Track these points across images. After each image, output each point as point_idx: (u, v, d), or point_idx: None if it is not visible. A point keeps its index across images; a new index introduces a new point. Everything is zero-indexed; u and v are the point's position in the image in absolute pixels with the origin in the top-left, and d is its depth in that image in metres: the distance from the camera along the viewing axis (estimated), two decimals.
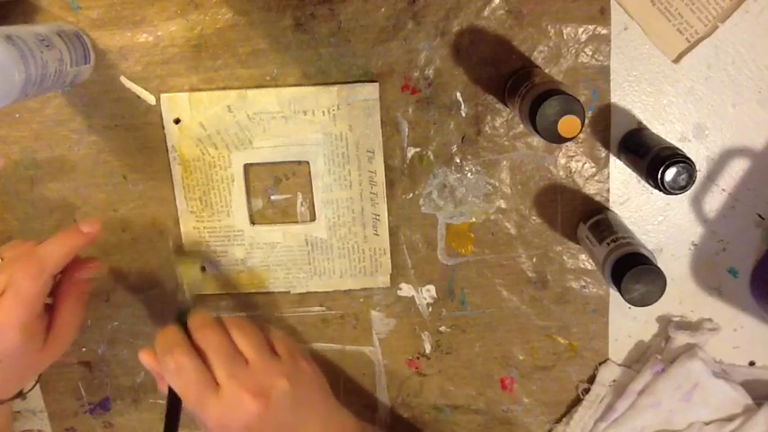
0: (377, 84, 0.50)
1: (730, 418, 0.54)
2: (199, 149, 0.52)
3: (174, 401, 0.44)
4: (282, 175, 0.53)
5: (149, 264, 0.55)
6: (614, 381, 0.55)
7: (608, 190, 0.52)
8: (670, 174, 0.43)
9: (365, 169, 0.52)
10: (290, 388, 0.43)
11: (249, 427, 0.42)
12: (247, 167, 0.52)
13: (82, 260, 0.49)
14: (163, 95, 0.51)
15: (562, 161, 0.51)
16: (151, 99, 0.51)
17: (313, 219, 0.53)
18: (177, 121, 0.51)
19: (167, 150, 0.52)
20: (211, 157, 0.52)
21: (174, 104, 0.51)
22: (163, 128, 0.51)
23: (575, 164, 0.51)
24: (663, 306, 0.54)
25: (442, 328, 0.56)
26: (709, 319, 0.54)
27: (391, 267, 0.54)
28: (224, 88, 0.50)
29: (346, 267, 0.54)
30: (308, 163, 0.52)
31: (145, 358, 0.46)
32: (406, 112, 0.51)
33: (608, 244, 0.46)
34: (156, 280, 0.55)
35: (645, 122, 0.50)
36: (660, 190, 0.44)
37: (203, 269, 0.54)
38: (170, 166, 0.52)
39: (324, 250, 0.54)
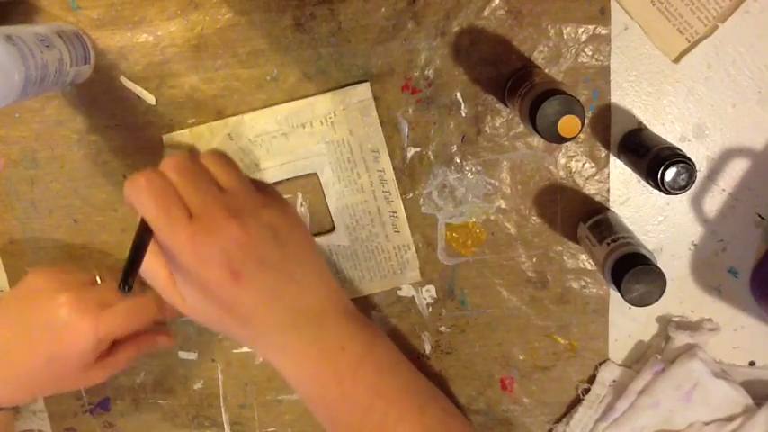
0: (368, 83, 0.50)
1: (730, 418, 0.54)
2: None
3: (143, 233, 0.38)
4: None
5: None
6: (614, 381, 0.55)
7: (608, 190, 0.52)
8: (670, 174, 0.43)
9: (373, 169, 0.52)
10: (270, 218, 0.39)
11: (226, 252, 0.37)
12: None
13: (166, 332, 0.52)
14: (164, 136, 0.51)
15: (562, 161, 0.51)
16: (151, 99, 0.51)
17: (332, 228, 0.53)
18: None
19: None
20: None
21: (177, 143, 0.51)
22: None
23: (575, 164, 0.51)
24: (663, 306, 0.54)
25: (442, 328, 0.56)
26: (709, 319, 0.54)
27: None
28: (224, 88, 0.50)
29: (374, 270, 0.54)
30: (316, 174, 0.52)
31: (125, 189, 0.39)
32: (406, 112, 0.51)
33: (608, 244, 0.46)
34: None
35: (645, 122, 0.50)
36: (660, 190, 0.44)
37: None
38: None
39: (348, 257, 0.54)
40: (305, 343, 0.40)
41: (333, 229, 0.53)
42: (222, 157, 0.41)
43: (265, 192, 0.41)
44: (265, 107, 0.51)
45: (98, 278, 0.48)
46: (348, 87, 0.50)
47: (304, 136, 0.51)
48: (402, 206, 0.53)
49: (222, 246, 0.37)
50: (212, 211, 0.37)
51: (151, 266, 0.39)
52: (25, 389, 0.47)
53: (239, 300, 0.39)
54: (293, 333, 0.40)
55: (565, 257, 0.53)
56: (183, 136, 0.51)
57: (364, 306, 0.55)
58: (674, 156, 0.43)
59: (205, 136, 0.51)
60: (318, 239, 0.53)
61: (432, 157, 0.52)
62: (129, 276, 0.36)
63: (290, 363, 0.41)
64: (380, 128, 0.51)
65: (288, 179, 0.52)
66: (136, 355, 0.49)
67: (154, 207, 0.37)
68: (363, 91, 0.50)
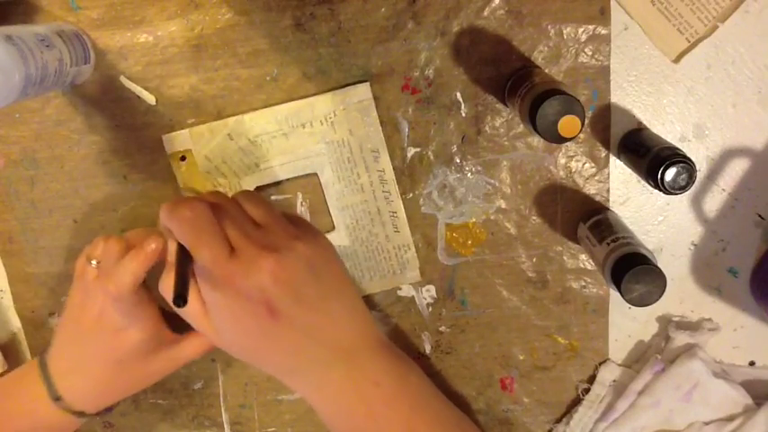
0: (368, 83, 0.50)
1: (730, 418, 0.54)
2: (210, 182, 0.52)
3: (184, 260, 0.39)
4: None
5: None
6: (614, 381, 0.55)
7: (608, 190, 0.52)
8: (670, 174, 0.43)
9: (373, 169, 0.52)
10: (306, 252, 0.39)
11: (264, 288, 0.38)
12: (259, 190, 0.52)
13: None
14: (164, 136, 0.51)
15: (562, 161, 0.51)
16: (151, 99, 0.51)
17: (332, 228, 0.53)
18: (183, 159, 0.51)
19: (180, 189, 0.52)
20: (222, 187, 0.52)
21: (177, 143, 0.51)
22: (171, 168, 0.52)
23: (575, 164, 0.51)
24: (663, 306, 0.54)
25: (442, 328, 0.56)
26: (709, 319, 0.54)
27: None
28: (224, 88, 0.50)
29: (374, 270, 0.54)
30: (316, 174, 0.52)
31: (163, 213, 0.40)
32: (406, 112, 0.51)
33: (608, 244, 0.46)
34: (156, 280, 0.55)
35: (645, 122, 0.50)
36: (660, 190, 0.44)
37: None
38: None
39: (349, 257, 0.54)
40: (339, 379, 0.40)
41: (333, 228, 0.53)
42: (254, 195, 0.42)
43: (299, 225, 0.42)
44: (265, 107, 0.51)
45: (93, 262, 0.48)
46: (348, 87, 0.50)
47: (304, 136, 0.51)
48: (402, 206, 0.53)
49: (260, 281, 0.38)
50: (250, 247, 0.38)
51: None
52: (107, 395, 0.49)
53: (274, 336, 0.39)
54: (327, 369, 0.40)
55: (565, 257, 0.53)
56: (182, 136, 0.51)
57: None
58: (674, 156, 0.43)
59: (205, 136, 0.51)
60: None
61: (432, 157, 0.52)
62: (184, 293, 0.37)
63: (324, 398, 0.41)
64: (380, 128, 0.51)
65: (288, 179, 0.52)
66: (206, 351, 0.50)
67: (197, 239, 0.38)
68: (363, 91, 0.50)
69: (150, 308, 0.47)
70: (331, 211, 0.53)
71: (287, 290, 0.38)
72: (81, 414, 0.48)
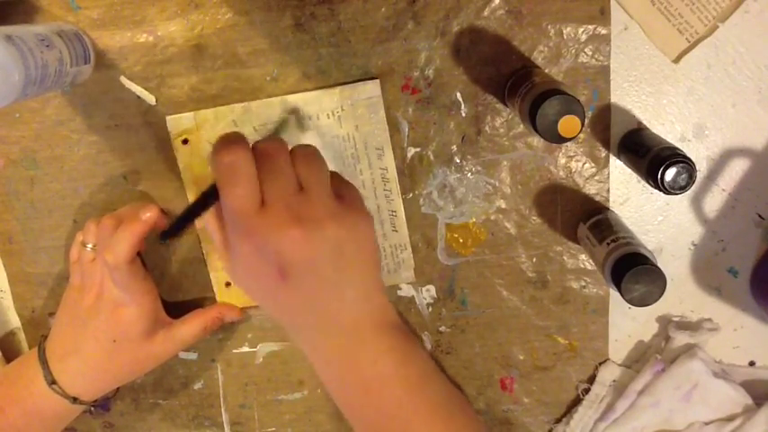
0: (377, 81, 0.50)
1: (730, 418, 0.54)
2: (210, 168, 0.51)
3: (209, 195, 0.39)
4: None
5: (149, 264, 0.55)
6: (614, 381, 0.55)
7: (608, 190, 0.52)
8: (670, 174, 0.43)
9: (376, 167, 0.52)
10: (337, 234, 0.38)
11: (281, 253, 0.37)
12: None
13: (234, 307, 0.54)
14: (168, 117, 0.51)
15: (562, 161, 0.51)
16: (151, 99, 0.51)
17: None
18: (185, 142, 0.51)
19: (179, 171, 0.52)
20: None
21: (181, 125, 0.51)
22: (173, 150, 0.52)
23: (575, 164, 0.51)
24: (663, 306, 0.54)
25: (442, 328, 0.56)
26: (709, 319, 0.54)
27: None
28: (224, 88, 0.50)
29: None
30: None
31: (213, 146, 0.39)
32: (406, 112, 0.51)
33: (608, 244, 0.46)
34: (156, 280, 0.55)
35: (645, 122, 0.51)
36: (660, 190, 0.44)
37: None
38: (184, 186, 0.52)
39: None
40: (338, 349, 0.40)
41: None
42: (311, 155, 0.40)
43: (344, 202, 0.40)
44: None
45: (89, 246, 0.49)
46: (357, 83, 0.50)
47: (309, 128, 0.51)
48: (402, 206, 0.53)
49: (279, 246, 0.37)
50: (282, 211, 0.37)
51: (212, 225, 0.41)
52: (102, 379, 0.50)
53: (280, 294, 0.39)
54: (327, 336, 0.40)
55: (565, 257, 0.53)
56: (187, 118, 0.51)
57: None
58: (674, 156, 0.43)
59: (210, 120, 0.51)
60: None
61: (432, 157, 0.52)
62: (173, 232, 0.38)
63: (321, 360, 0.41)
64: (387, 126, 0.51)
65: None
66: (201, 331, 0.51)
67: (228, 186, 0.37)
68: (372, 88, 0.50)
69: (147, 284, 0.48)
70: None
71: (303, 262, 0.38)
72: (76, 400, 0.48)
